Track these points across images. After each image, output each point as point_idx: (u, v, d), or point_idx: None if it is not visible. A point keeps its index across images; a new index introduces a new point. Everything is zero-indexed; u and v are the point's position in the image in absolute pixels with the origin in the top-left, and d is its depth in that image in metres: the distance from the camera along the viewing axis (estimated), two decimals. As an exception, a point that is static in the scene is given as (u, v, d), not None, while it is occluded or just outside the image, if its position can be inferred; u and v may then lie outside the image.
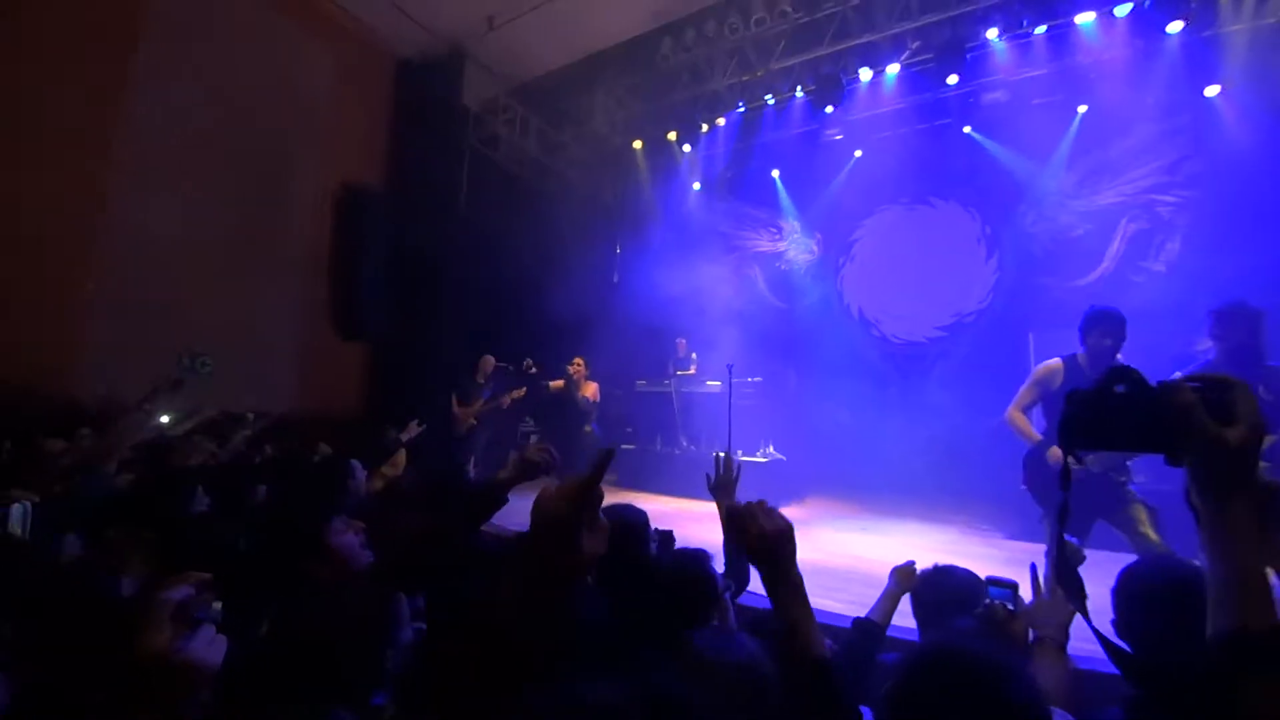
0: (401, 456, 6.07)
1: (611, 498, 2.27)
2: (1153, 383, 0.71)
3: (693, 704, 0.65)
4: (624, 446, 7.78)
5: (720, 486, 2.06)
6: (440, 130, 7.65)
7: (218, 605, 0.85)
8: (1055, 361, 3.15)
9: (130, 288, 5.55)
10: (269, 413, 4.39)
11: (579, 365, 7.24)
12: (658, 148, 8.91)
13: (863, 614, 1.97)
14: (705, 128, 8.31)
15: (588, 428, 7.13)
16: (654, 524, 2.18)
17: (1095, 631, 0.82)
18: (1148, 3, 5.81)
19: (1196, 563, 0.67)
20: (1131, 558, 1.65)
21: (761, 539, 1.06)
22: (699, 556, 1.67)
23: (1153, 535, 2.77)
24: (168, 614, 0.77)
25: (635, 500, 1.95)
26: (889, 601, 2.01)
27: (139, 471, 2.04)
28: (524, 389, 6.62)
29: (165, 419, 3.40)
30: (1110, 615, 1.32)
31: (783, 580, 1.05)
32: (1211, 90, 6.24)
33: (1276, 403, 2.75)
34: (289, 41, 6.90)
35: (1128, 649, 0.81)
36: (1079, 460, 2.81)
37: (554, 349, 8.07)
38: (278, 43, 6.79)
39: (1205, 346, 5.09)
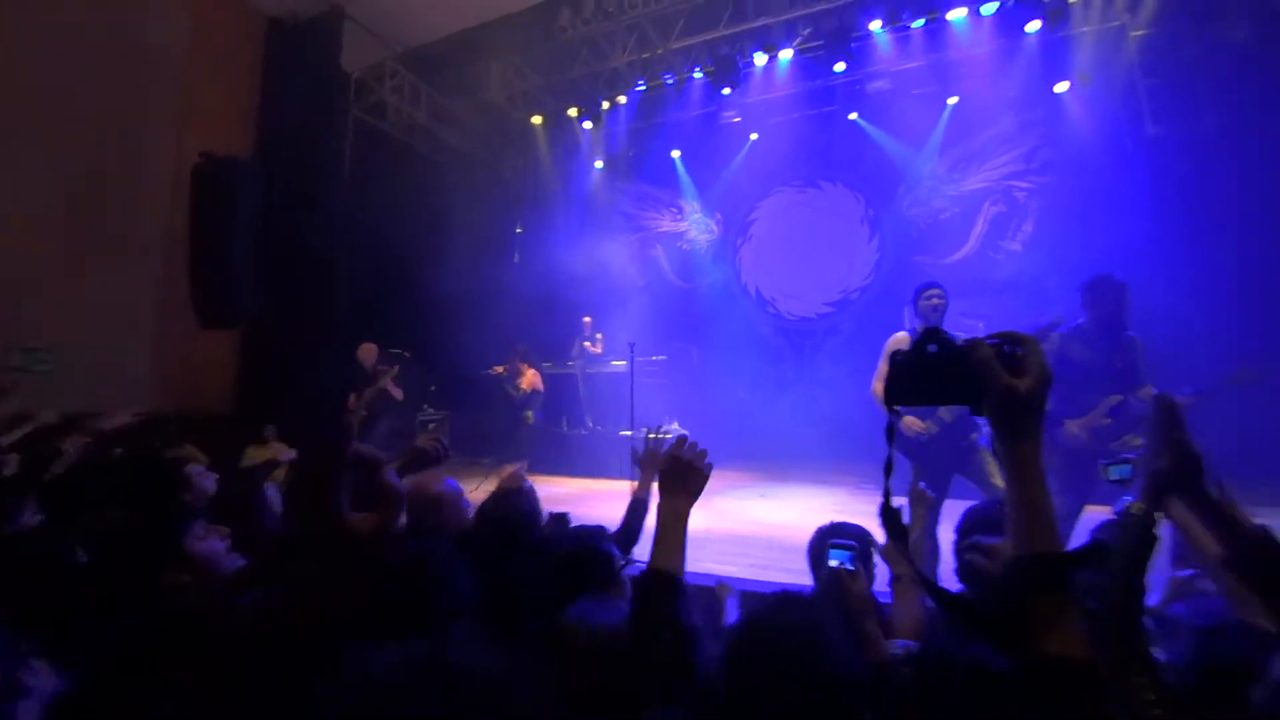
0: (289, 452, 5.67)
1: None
2: (958, 342, 0.77)
3: (489, 673, 0.62)
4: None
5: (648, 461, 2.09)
6: (318, 97, 7.04)
7: None
8: (902, 335, 3.48)
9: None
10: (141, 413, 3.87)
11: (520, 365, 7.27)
12: (558, 123, 8.67)
13: (764, 576, 2.07)
14: (606, 105, 8.19)
15: (529, 414, 7.09)
16: (562, 506, 2.16)
17: (910, 564, 0.92)
18: (1011, 2, 6.31)
19: None
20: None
21: (684, 465, 1.23)
22: (594, 533, 1.66)
23: (1001, 484, 3.02)
24: None
25: (540, 482, 1.91)
26: None
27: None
28: (396, 366, 6.31)
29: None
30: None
31: (676, 515, 1.19)
32: (1061, 86, 6.93)
33: (1125, 369, 3.11)
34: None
35: (929, 578, 0.91)
36: (900, 415, 3.08)
37: (451, 331, 7.77)
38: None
39: (1057, 320, 5.71)
